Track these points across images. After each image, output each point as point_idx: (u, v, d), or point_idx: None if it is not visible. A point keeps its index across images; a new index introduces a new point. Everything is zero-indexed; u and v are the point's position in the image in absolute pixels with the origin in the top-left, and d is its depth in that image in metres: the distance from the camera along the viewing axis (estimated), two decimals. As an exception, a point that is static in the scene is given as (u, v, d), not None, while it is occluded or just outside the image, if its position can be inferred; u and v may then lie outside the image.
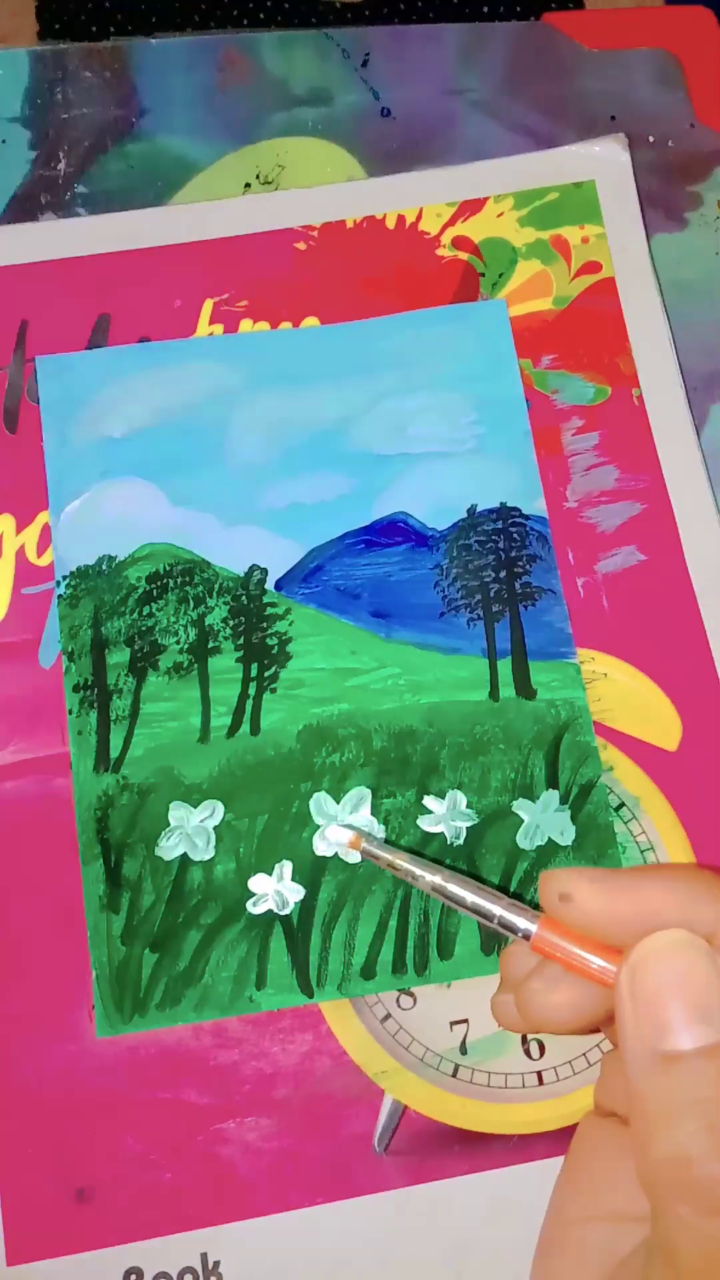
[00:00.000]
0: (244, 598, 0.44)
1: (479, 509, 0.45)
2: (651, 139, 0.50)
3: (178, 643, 0.43)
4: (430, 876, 0.33)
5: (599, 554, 0.45)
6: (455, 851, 0.41)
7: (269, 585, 0.44)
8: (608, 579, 0.44)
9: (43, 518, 0.45)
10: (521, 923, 0.31)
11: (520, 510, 0.45)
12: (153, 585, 0.44)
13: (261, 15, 0.54)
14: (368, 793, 0.42)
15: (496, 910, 0.31)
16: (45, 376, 0.46)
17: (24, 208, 0.49)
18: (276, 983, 0.40)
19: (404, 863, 0.34)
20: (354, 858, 0.41)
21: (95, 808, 0.42)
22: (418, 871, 0.33)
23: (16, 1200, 0.39)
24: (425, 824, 0.41)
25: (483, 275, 0.47)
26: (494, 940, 0.40)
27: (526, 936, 0.30)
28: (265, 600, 0.44)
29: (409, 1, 0.54)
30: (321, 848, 0.41)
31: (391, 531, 0.44)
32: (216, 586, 0.44)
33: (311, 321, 0.47)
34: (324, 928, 0.41)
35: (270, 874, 0.41)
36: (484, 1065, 0.40)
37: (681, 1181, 0.25)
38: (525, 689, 0.43)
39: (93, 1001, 0.40)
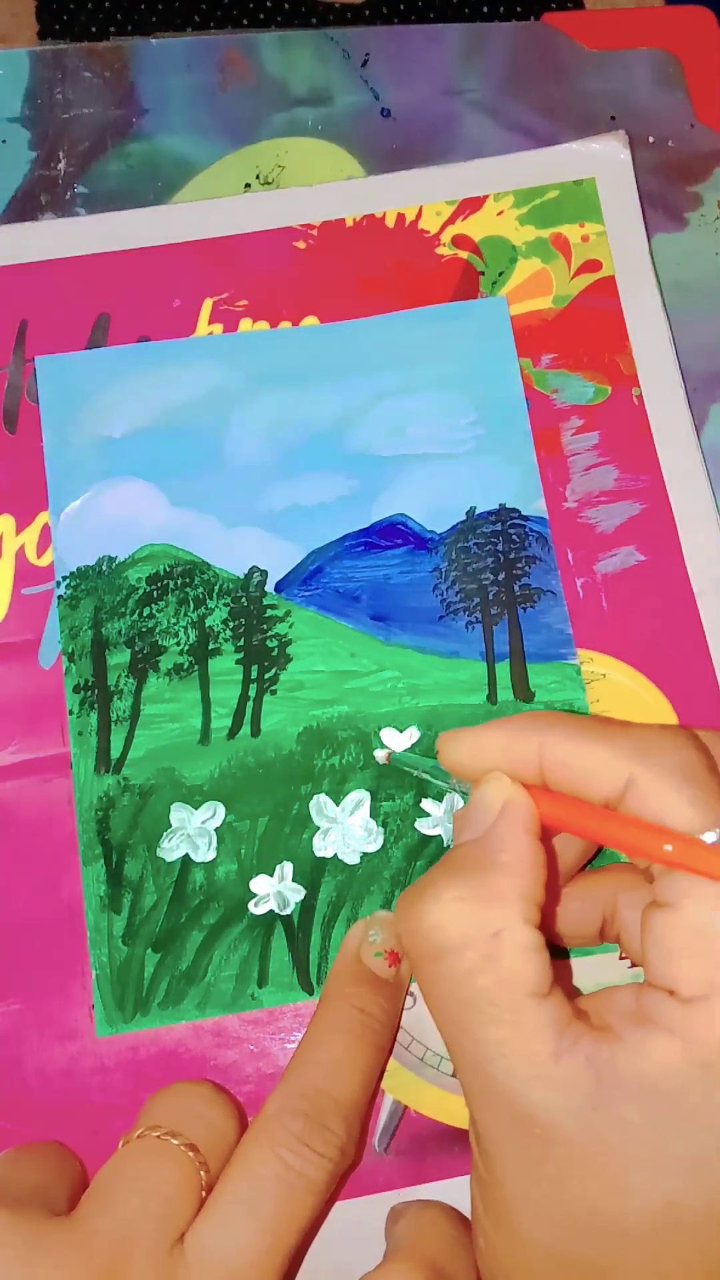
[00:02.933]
0: (244, 599, 0.44)
1: (478, 511, 0.45)
2: (651, 139, 0.50)
3: (178, 644, 0.43)
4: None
5: (598, 554, 0.45)
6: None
7: (269, 587, 0.44)
8: (607, 579, 0.44)
9: (43, 518, 0.45)
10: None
11: (519, 511, 0.45)
12: (153, 586, 0.44)
13: (261, 15, 0.54)
14: (367, 795, 0.42)
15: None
16: (45, 376, 0.46)
17: (24, 208, 0.48)
18: (277, 981, 0.40)
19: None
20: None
21: (96, 808, 0.42)
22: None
23: (18, 1199, 0.39)
24: (423, 826, 0.42)
25: (482, 274, 0.47)
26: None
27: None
28: (265, 602, 0.44)
29: (409, 1, 0.54)
30: (321, 849, 0.41)
31: (391, 534, 0.44)
32: (217, 588, 0.44)
33: (311, 320, 0.47)
34: (324, 927, 0.41)
35: (271, 875, 0.41)
36: (483, 1065, 0.40)
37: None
38: (523, 691, 0.43)
39: (92, 1001, 0.40)
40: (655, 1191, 0.29)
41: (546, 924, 0.31)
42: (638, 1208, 0.29)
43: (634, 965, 0.40)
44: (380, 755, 0.38)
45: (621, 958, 0.40)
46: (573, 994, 0.32)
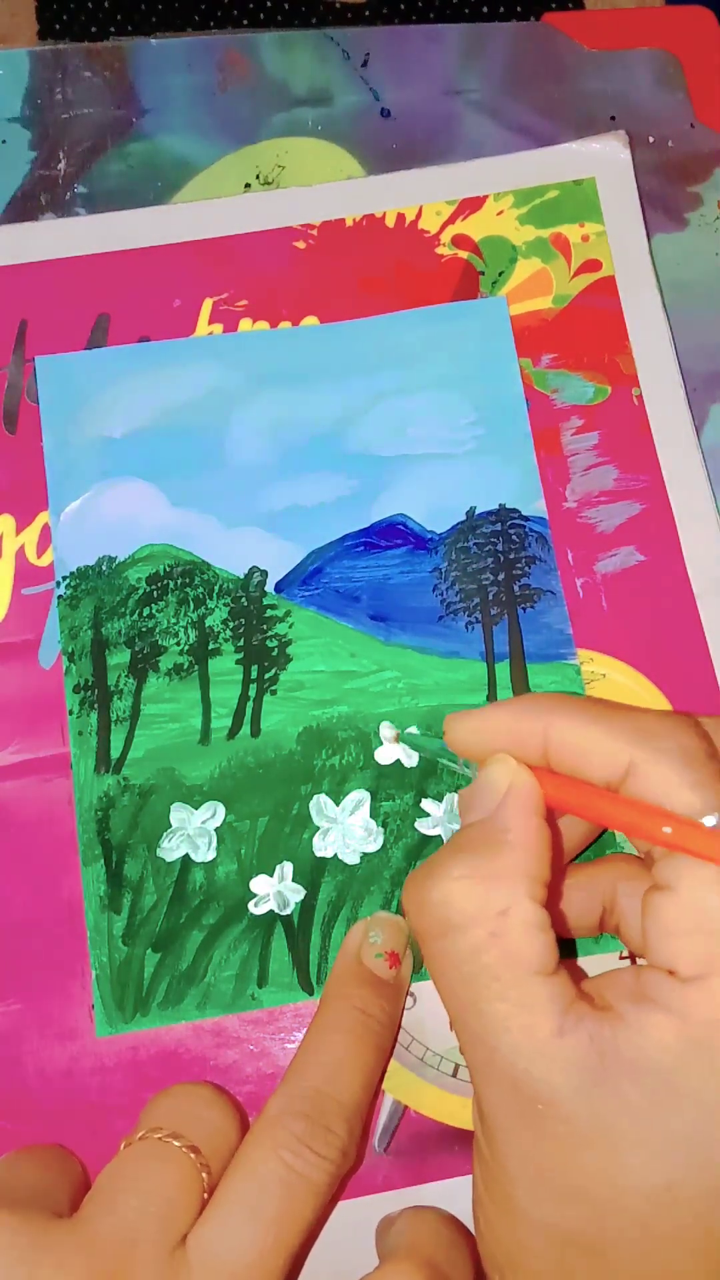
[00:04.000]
0: (244, 599, 0.44)
1: (478, 511, 0.45)
2: (651, 139, 0.50)
3: (178, 644, 0.43)
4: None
5: (598, 554, 0.45)
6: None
7: (269, 587, 0.44)
8: (607, 579, 0.44)
9: (43, 518, 0.45)
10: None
11: (519, 512, 0.45)
12: (153, 586, 0.44)
13: (261, 15, 0.54)
14: (367, 795, 0.42)
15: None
16: (45, 376, 0.46)
17: (24, 208, 0.48)
18: (278, 981, 0.40)
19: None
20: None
21: (96, 808, 0.42)
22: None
23: (18, 1199, 0.39)
24: (423, 826, 0.42)
25: (482, 274, 0.47)
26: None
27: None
28: (265, 602, 0.44)
29: (409, 1, 0.54)
30: (321, 849, 0.41)
31: (391, 534, 0.44)
32: (217, 588, 0.44)
33: (311, 320, 0.47)
34: (324, 927, 0.41)
35: (271, 875, 0.41)
36: (483, 1065, 0.40)
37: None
38: (523, 691, 0.43)
39: (92, 1001, 0.40)
40: (654, 1172, 0.29)
41: (552, 904, 0.32)
42: (637, 1187, 0.29)
43: (624, 956, 0.40)
44: (388, 735, 0.38)
45: (622, 957, 0.40)
46: (579, 976, 0.32)
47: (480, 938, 0.30)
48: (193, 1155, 0.33)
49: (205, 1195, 0.33)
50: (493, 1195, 0.31)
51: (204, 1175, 0.33)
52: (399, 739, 0.38)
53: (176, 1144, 0.34)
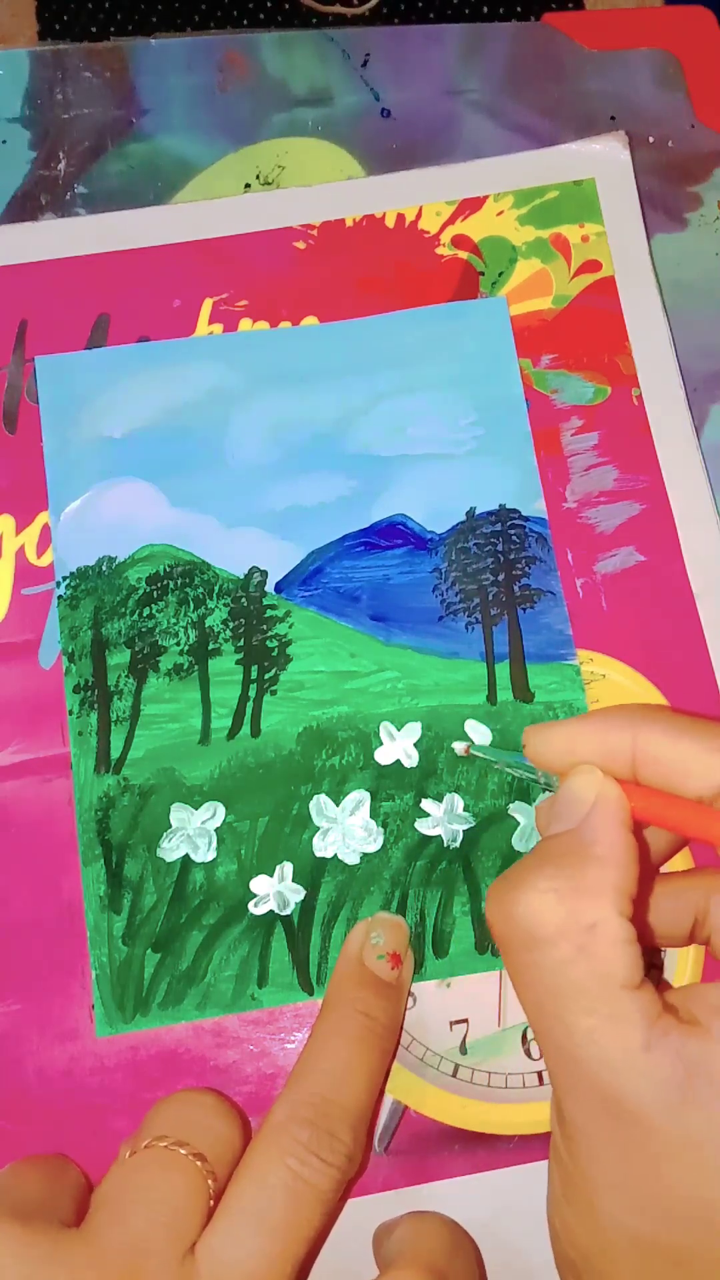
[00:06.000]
0: (244, 600, 0.44)
1: (478, 511, 0.45)
2: (651, 139, 0.50)
3: (178, 644, 0.43)
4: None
5: (598, 554, 0.45)
6: (452, 854, 0.41)
7: (269, 587, 0.44)
8: (606, 579, 0.44)
9: (43, 518, 0.45)
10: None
11: (519, 512, 0.45)
12: (153, 587, 0.44)
13: (261, 15, 0.54)
14: (367, 796, 0.42)
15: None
16: (45, 377, 0.46)
17: (24, 208, 0.49)
18: (277, 981, 0.40)
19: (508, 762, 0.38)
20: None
21: (96, 808, 0.42)
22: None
23: (18, 1199, 0.39)
24: (423, 826, 0.42)
25: (482, 274, 0.47)
26: (487, 939, 0.41)
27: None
28: (265, 602, 0.44)
29: (409, 2, 0.54)
30: (321, 849, 0.41)
31: (391, 534, 0.44)
32: (216, 588, 0.44)
33: (311, 321, 0.47)
34: (324, 927, 0.41)
35: (271, 875, 0.41)
36: (484, 1065, 0.40)
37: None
38: (523, 692, 0.43)
39: (92, 1001, 0.40)
40: None
41: (637, 916, 0.32)
42: None
43: None
44: (459, 747, 0.38)
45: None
46: (663, 987, 0.32)
47: (567, 952, 0.30)
48: (199, 1163, 0.34)
49: (212, 1203, 0.33)
50: (573, 1200, 0.32)
51: (210, 1183, 0.33)
52: (469, 751, 0.38)
53: (182, 1152, 0.34)
